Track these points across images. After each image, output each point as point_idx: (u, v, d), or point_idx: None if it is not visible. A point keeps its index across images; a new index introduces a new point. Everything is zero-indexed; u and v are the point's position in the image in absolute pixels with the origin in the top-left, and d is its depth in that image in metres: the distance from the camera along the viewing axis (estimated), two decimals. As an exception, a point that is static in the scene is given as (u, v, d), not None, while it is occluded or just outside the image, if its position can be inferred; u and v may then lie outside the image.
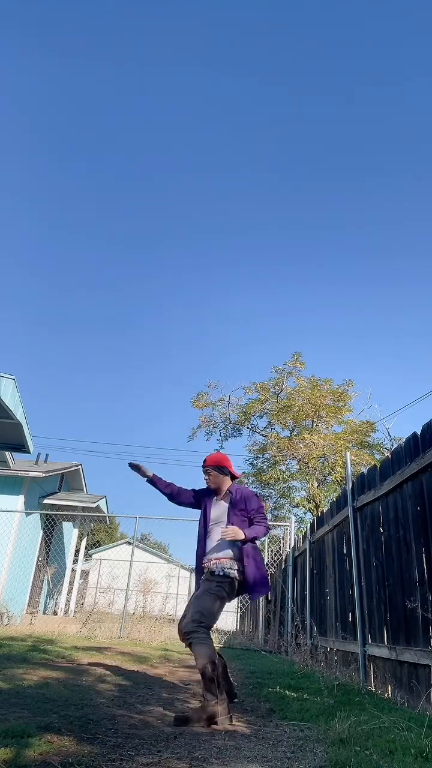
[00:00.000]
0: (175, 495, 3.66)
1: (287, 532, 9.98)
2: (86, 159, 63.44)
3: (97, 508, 14.59)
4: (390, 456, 4.03)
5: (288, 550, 9.32)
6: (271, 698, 3.48)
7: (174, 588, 20.69)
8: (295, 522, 12.22)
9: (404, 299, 57.22)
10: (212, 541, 3.32)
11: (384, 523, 3.98)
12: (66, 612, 13.83)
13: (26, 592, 12.38)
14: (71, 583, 14.95)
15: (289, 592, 8.44)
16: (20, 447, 9.26)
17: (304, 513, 18.67)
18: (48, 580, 14.10)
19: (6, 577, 11.11)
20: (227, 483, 3.52)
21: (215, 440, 22.11)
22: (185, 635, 2.99)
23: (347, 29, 47.33)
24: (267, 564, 11.82)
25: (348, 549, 4.88)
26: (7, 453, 11.29)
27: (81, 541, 16.16)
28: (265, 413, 20.18)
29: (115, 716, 2.61)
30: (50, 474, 12.82)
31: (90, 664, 4.68)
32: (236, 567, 3.17)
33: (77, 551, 15.87)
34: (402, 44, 49.86)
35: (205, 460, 3.59)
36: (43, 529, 13.42)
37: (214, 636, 3.44)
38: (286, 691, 3.69)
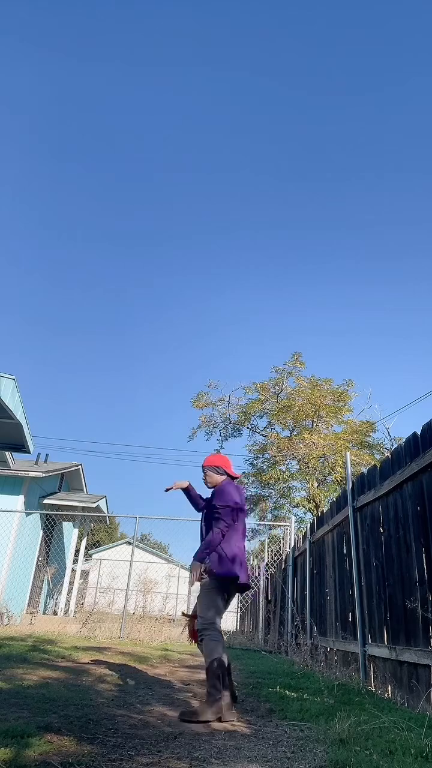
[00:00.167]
0: (195, 502, 3.82)
1: (287, 532, 9.98)
2: (86, 159, 63.45)
3: (97, 508, 14.59)
4: (390, 456, 4.03)
5: (288, 550, 9.31)
6: (271, 698, 3.48)
7: (174, 588, 20.69)
8: (295, 522, 12.22)
9: (404, 299, 57.24)
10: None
11: (384, 523, 3.98)
12: (66, 612, 13.83)
13: (26, 592, 12.38)
14: (71, 583, 14.95)
15: (289, 592, 8.44)
16: (20, 447, 9.26)
17: (304, 513, 18.68)
18: (48, 580, 14.10)
19: (6, 577, 11.11)
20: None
21: (215, 440, 22.15)
22: (198, 634, 3.14)
23: (347, 29, 47.36)
24: (267, 564, 11.82)
25: (348, 549, 4.88)
26: (7, 453, 11.30)
27: (81, 541, 16.16)
28: (265, 413, 20.18)
29: (115, 716, 2.61)
30: (50, 474, 12.82)
31: (90, 664, 4.68)
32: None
33: (77, 551, 15.87)
34: (401, 44, 49.87)
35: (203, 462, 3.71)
36: (43, 529, 13.42)
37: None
38: (286, 691, 3.69)
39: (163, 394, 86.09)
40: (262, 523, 18.14)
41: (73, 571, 15.60)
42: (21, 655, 4.80)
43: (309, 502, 18.20)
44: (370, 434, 18.77)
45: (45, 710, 2.60)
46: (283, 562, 9.67)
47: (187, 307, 67.83)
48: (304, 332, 56.93)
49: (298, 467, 18.60)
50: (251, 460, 20.06)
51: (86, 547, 17.45)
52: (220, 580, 3.22)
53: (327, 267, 57.21)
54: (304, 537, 7.58)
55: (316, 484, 18.26)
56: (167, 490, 3.79)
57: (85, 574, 22.92)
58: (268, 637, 10.41)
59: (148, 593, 10.82)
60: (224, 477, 3.59)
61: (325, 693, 3.42)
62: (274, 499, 19.05)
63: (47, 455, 14.43)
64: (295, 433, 19.41)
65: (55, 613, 13.99)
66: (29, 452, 9.47)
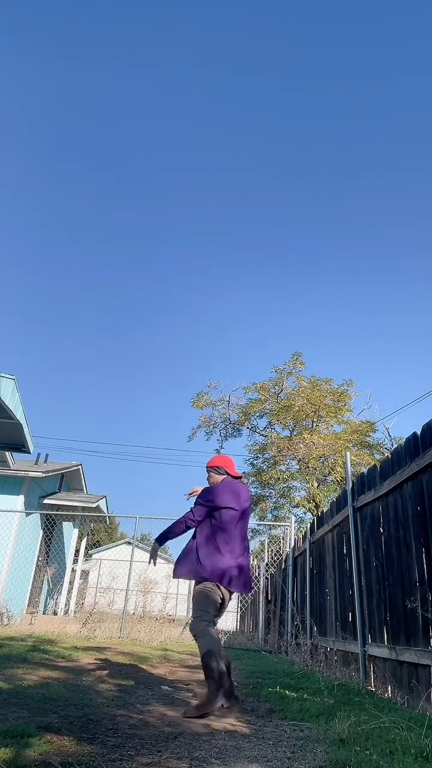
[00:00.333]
0: None
1: (287, 532, 9.98)
2: (86, 159, 63.44)
3: (97, 508, 14.59)
4: (390, 456, 4.03)
5: (288, 550, 9.31)
6: (271, 698, 3.48)
7: (174, 588, 20.69)
8: (295, 522, 12.23)
9: (404, 299, 57.22)
10: None
11: (384, 523, 3.98)
12: (66, 612, 13.83)
13: (26, 592, 12.38)
14: (71, 583, 14.95)
15: (289, 592, 8.44)
16: (20, 447, 9.26)
17: (304, 513, 18.68)
18: (48, 580, 14.10)
19: (6, 577, 11.11)
20: None
21: (215, 440, 22.21)
22: (192, 631, 3.27)
23: (347, 28, 47.32)
24: (267, 564, 11.83)
25: (348, 549, 4.88)
26: (7, 453, 11.30)
27: (81, 541, 16.16)
28: (265, 413, 20.18)
29: (115, 716, 2.61)
30: (50, 474, 12.82)
31: (90, 664, 4.68)
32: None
33: (77, 551, 15.87)
34: (400, 44, 49.85)
35: None
36: (43, 529, 13.42)
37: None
38: (286, 691, 3.69)
39: (163, 394, 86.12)
40: (262, 523, 18.14)
41: (73, 571, 15.60)
42: (21, 655, 4.80)
43: (309, 502, 18.20)
44: (370, 434, 18.78)
45: (45, 710, 2.60)
46: (283, 562, 9.67)
47: (187, 308, 67.90)
48: (304, 332, 56.98)
49: (298, 467, 18.60)
50: (251, 460, 20.08)
51: (86, 547, 17.45)
52: (208, 582, 3.29)
53: (327, 267, 57.26)
54: (304, 537, 7.58)
55: (316, 484, 18.26)
56: (188, 495, 3.81)
57: (85, 574, 22.92)
58: (268, 637, 10.41)
59: (148, 593, 10.81)
60: (224, 477, 3.63)
61: (325, 693, 3.42)
62: (274, 499, 19.06)
63: (47, 455, 14.44)
64: (295, 433, 19.41)
65: (55, 613, 13.99)
66: (29, 452, 9.47)
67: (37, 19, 50.71)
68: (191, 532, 3.56)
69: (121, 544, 34.74)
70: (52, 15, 50.06)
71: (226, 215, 59.57)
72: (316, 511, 16.84)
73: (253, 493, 19.57)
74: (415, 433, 3.49)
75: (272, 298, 60.01)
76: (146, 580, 11.13)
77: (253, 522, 18.70)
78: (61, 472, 14.37)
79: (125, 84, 57.47)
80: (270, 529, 18.03)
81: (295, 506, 18.79)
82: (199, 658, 3.18)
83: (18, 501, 11.86)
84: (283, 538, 11.78)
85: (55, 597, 14.86)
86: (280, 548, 11.54)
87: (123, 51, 54.85)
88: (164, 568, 24.86)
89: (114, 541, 40.81)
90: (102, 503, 14.93)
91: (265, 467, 19.33)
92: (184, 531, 3.51)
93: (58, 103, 57.51)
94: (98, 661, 4.93)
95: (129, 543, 28.98)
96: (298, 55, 51.55)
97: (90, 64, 56.42)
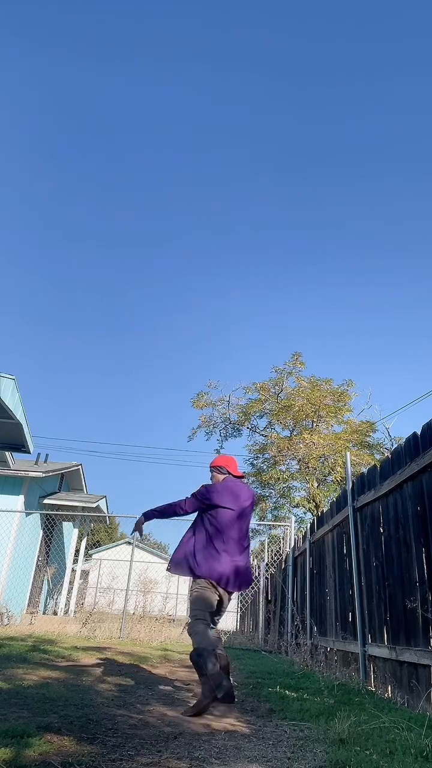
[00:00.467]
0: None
1: (287, 532, 9.98)
2: (86, 159, 63.46)
3: (97, 508, 14.59)
4: (390, 456, 4.03)
5: (288, 550, 9.31)
6: (271, 698, 3.48)
7: (174, 588, 20.67)
8: (295, 522, 12.23)
9: (404, 299, 57.23)
10: None
11: (384, 523, 3.98)
12: (66, 612, 13.83)
13: (26, 592, 12.38)
14: (71, 583, 14.95)
15: (289, 592, 8.44)
16: (20, 447, 9.26)
17: (304, 513, 18.68)
18: (48, 580, 14.10)
19: (6, 577, 11.11)
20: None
21: (215, 440, 22.19)
22: (188, 632, 3.31)
23: (348, 26, 47.33)
24: (267, 564, 11.83)
25: (348, 549, 4.88)
26: (7, 453, 11.30)
27: (81, 541, 16.16)
28: (265, 413, 20.19)
29: (115, 716, 2.61)
30: (50, 474, 12.82)
31: (90, 664, 4.68)
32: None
33: (77, 551, 15.87)
34: (401, 43, 49.85)
35: None
36: (43, 529, 13.42)
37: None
38: (286, 691, 3.69)
39: (163, 394, 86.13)
40: (262, 523, 18.15)
41: (73, 571, 15.60)
42: (21, 655, 4.80)
43: (309, 502, 18.20)
44: (370, 434, 18.78)
45: (45, 710, 2.60)
46: (283, 562, 9.67)
47: (187, 308, 67.90)
48: (304, 332, 56.98)
49: (298, 467, 18.61)
50: (251, 460, 20.09)
51: (86, 547, 17.45)
52: (203, 580, 3.33)
53: (327, 267, 57.25)
54: (304, 537, 7.58)
55: (316, 484, 18.26)
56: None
57: (85, 574, 22.91)
58: (268, 637, 10.41)
59: (148, 593, 10.81)
60: (225, 476, 3.66)
61: (325, 693, 3.42)
62: (274, 499, 19.06)
63: (47, 455, 14.44)
64: (295, 433, 19.41)
65: (55, 613, 13.99)
66: (29, 452, 9.47)
67: (37, 18, 50.73)
68: (189, 529, 3.58)
69: (121, 544, 34.72)
70: (51, 13, 50.08)
71: (226, 215, 59.61)
72: (316, 511, 16.84)
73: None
74: (415, 433, 3.49)
75: (272, 298, 60.06)
76: (146, 580, 11.14)
77: (253, 522, 18.61)
78: (61, 472, 14.37)
79: (125, 84, 57.51)
80: (270, 529, 18.03)
81: (295, 506, 18.79)
82: None
83: (18, 501, 11.86)
84: (283, 538, 11.78)
85: (55, 597, 14.87)
86: (280, 548, 11.54)
87: (123, 50, 54.87)
88: (164, 568, 24.83)
89: (114, 541, 40.81)
90: (102, 503, 14.93)
91: (265, 467, 19.33)
92: (172, 516, 3.58)
93: (58, 103, 57.55)
94: (98, 661, 4.93)
95: (129, 543, 28.97)
96: (299, 54, 51.58)
97: (90, 64, 56.46)
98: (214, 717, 2.81)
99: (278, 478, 18.40)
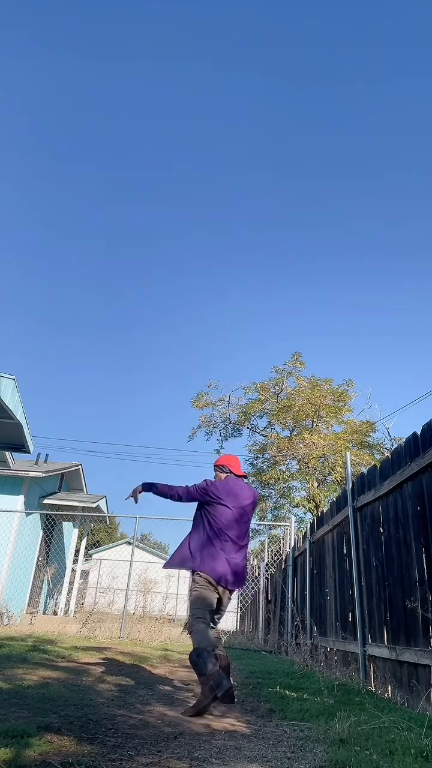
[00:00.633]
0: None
1: (287, 532, 9.98)
2: (86, 158, 63.47)
3: (97, 508, 14.58)
4: (390, 456, 4.03)
5: (288, 550, 9.31)
6: (271, 698, 3.48)
7: (174, 588, 20.68)
8: (295, 522, 12.22)
9: (404, 299, 57.23)
10: None
11: (384, 523, 3.98)
12: (66, 612, 13.83)
13: (26, 592, 12.38)
14: (71, 583, 14.94)
15: (289, 592, 8.43)
16: (20, 447, 9.26)
17: (304, 513, 18.68)
18: (48, 580, 14.10)
19: (6, 577, 11.11)
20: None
21: (215, 440, 22.16)
22: (188, 631, 3.34)
23: (348, 26, 47.34)
24: (267, 564, 11.83)
25: (348, 549, 4.88)
26: (7, 453, 11.30)
27: (81, 541, 16.16)
28: (265, 413, 20.19)
29: (115, 716, 2.61)
30: (50, 474, 12.82)
31: (90, 664, 4.68)
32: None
33: (77, 551, 15.87)
34: (400, 44, 49.86)
35: None
36: (43, 529, 13.42)
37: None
38: (286, 691, 3.69)
39: (163, 395, 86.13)
40: (262, 523, 18.15)
41: (73, 571, 15.60)
42: (21, 655, 4.80)
43: (309, 502, 18.20)
44: (370, 434, 18.78)
45: (45, 710, 2.60)
46: (283, 562, 9.67)
47: (187, 307, 67.92)
48: (304, 332, 56.98)
49: (298, 467, 18.60)
50: (251, 460, 20.08)
51: (86, 547, 17.45)
52: (199, 579, 3.35)
53: (327, 267, 57.26)
54: (304, 537, 7.58)
55: (316, 484, 18.26)
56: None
57: (85, 574, 22.91)
58: (268, 637, 10.40)
59: (148, 593, 10.81)
60: (227, 475, 3.70)
61: (325, 693, 3.42)
62: (274, 499, 19.06)
63: (47, 455, 14.44)
64: (295, 433, 19.41)
65: (55, 613, 13.99)
66: (29, 452, 9.47)
67: (37, 17, 50.74)
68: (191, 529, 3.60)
69: (121, 544, 34.72)
70: (52, 13, 50.08)
71: (225, 215, 59.62)
72: (316, 511, 16.84)
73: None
74: (415, 433, 3.49)
75: (272, 298, 60.06)
76: (146, 580, 11.13)
77: (253, 522, 18.57)
78: (61, 472, 14.37)
79: (125, 83, 57.51)
80: (270, 529, 18.03)
81: (295, 506, 18.79)
82: None
83: (18, 501, 11.86)
84: (283, 538, 11.78)
85: (55, 597, 14.86)
86: (280, 548, 11.54)
87: (123, 50, 54.87)
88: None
89: (114, 541, 40.80)
90: (102, 503, 14.93)
91: (265, 467, 19.33)
92: (168, 498, 3.59)
93: (58, 103, 57.55)
94: (98, 661, 4.93)
95: (129, 543, 28.97)
96: (300, 53, 51.58)
97: (90, 63, 56.47)
98: (214, 717, 2.81)
99: (278, 478, 18.40)
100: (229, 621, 19.92)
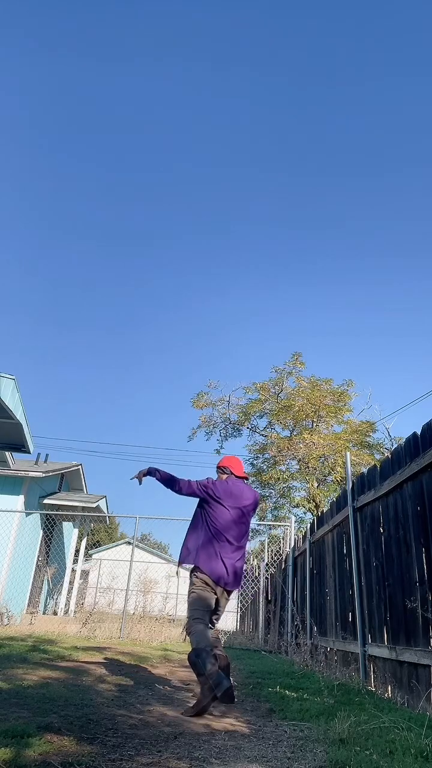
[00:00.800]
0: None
1: (287, 532, 9.97)
2: (86, 157, 63.47)
3: (97, 508, 14.58)
4: (390, 456, 4.03)
5: (288, 550, 9.31)
6: (271, 698, 3.48)
7: (174, 588, 20.68)
8: (295, 522, 12.22)
9: (405, 299, 57.23)
10: None
11: (384, 523, 3.98)
12: (66, 612, 13.83)
13: (26, 592, 12.38)
14: (71, 583, 14.94)
15: (289, 592, 8.43)
16: (20, 447, 9.26)
17: (304, 513, 18.68)
18: (48, 580, 14.10)
19: (6, 577, 11.11)
20: None
21: (215, 440, 22.18)
22: (186, 631, 3.33)
23: (348, 25, 47.33)
24: (267, 564, 11.83)
25: (348, 549, 4.88)
26: (7, 453, 11.29)
27: (81, 541, 16.16)
28: (265, 413, 20.18)
29: (115, 716, 2.61)
30: (50, 474, 12.82)
31: (90, 664, 4.68)
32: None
33: (77, 551, 15.87)
34: (399, 43, 49.86)
35: None
36: (43, 529, 13.42)
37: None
38: (286, 691, 3.69)
39: (163, 395, 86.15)
40: (262, 523, 18.15)
41: (73, 571, 15.60)
42: (21, 655, 4.80)
43: (309, 502, 18.20)
44: (370, 434, 18.77)
45: (45, 710, 2.60)
46: (283, 562, 9.67)
47: (187, 307, 67.91)
48: (304, 332, 56.97)
49: (298, 467, 18.60)
50: (251, 460, 20.08)
51: (86, 547, 17.45)
52: (197, 580, 3.37)
53: (327, 267, 57.25)
54: (304, 537, 7.58)
55: (316, 484, 18.25)
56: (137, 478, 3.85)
57: (85, 574, 22.91)
58: (268, 637, 10.40)
59: (148, 593, 10.81)
60: (228, 476, 3.75)
61: (325, 693, 3.42)
62: (274, 499, 19.06)
63: (47, 455, 14.44)
64: (295, 433, 19.40)
65: (55, 613, 13.99)
66: (29, 452, 9.47)
67: (38, 17, 50.73)
68: (189, 527, 3.63)
69: (121, 544, 34.72)
70: (52, 12, 50.07)
71: (226, 215, 59.62)
72: (316, 511, 16.84)
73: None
74: (415, 433, 3.49)
75: (272, 298, 60.04)
76: (146, 580, 11.13)
77: (253, 522, 18.59)
78: (61, 472, 14.37)
79: (125, 83, 57.50)
80: (270, 529, 18.03)
81: (295, 506, 18.79)
82: None
83: (18, 501, 11.85)
84: (283, 538, 11.78)
85: (55, 597, 14.86)
86: (280, 548, 11.54)
87: (123, 49, 54.87)
88: (164, 568, 24.88)
89: (114, 541, 40.80)
90: (102, 503, 14.93)
91: (265, 467, 19.33)
92: (169, 487, 3.62)
93: (58, 102, 57.56)
94: (98, 661, 4.93)
95: (129, 543, 28.97)
96: (300, 52, 51.57)
97: (90, 63, 56.47)
98: (214, 717, 2.81)
99: (278, 478, 18.40)
100: (229, 621, 19.92)
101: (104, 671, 4.30)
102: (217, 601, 3.40)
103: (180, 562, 3.54)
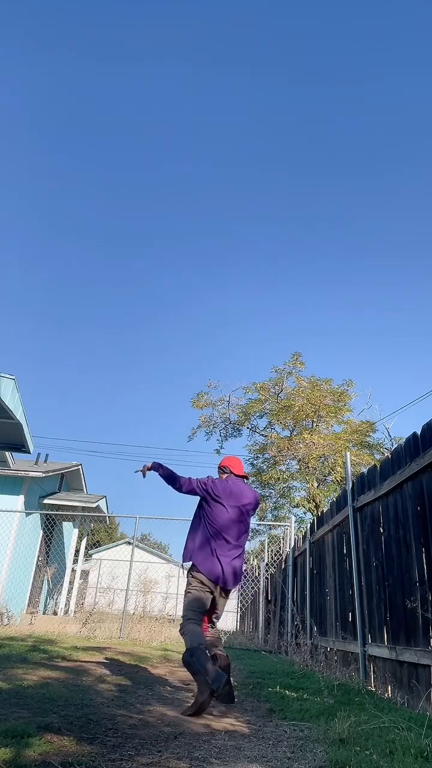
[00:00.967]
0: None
1: (287, 532, 9.97)
2: (87, 158, 63.47)
3: (97, 508, 14.58)
4: (390, 456, 4.03)
5: (288, 550, 9.31)
6: (271, 698, 3.48)
7: (174, 588, 20.68)
8: (295, 522, 12.22)
9: (405, 299, 57.22)
10: None
11: (384, 523, 3.98)
12: (66, 612, 13.83)
13: (26, 592, 12.38)
14: (71, 583, 14.95)
15: (289, 592, 8.43)
16: (20, 447, 9.26)
17: (304, 513, 18.68)
18: (48, 580, 14.10)
19: (6, 577, 11.11)
20: None
21: (215, 440, 22.17)
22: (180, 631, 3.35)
23: (348, 25, 47.32)
24: (267, 564, 11.83)
25: (348, 549, 4.88)
26: (7, 453, 11.30)
27: (81, 541, 16.16)
28: (265, 413, 20.18)
29: (115, 716, 2.61)
30: (50, 474, 12.82)
31: (90, 664, 4.68)
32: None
33: (77, 551, 15.87)
34: (399, 43, 49.85)
35: None
36: (43, 529, 13.42)
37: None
38: (286, 691, 3.69)
39: (163, 395, 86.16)
40: (262, 523, 18.15)
41: (73, 571, 15.60)
42: (21, 655, 4.80)
43: (309, 502, 18.19)
44: (370, 434, 18.77)
45: (45, 710, 2.60)
46: (283, 562, 9.67)
47: (187, 308, 67.90)
48: (304, 332, 56.96)
49: (298, 467, 18.60)
50: (251, 460, 20.08)
51: (86, 547, 17.45)
52: (193, 580, 3.39)
53: (327, 266, 57.25)
54: (304, 537, 7.58)
55: (316, 484, 18.25)
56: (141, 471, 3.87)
57: (85, 574, 22.92)
58: (268, 637, 10.40)
59: (148, 593, 10.82)
60: (227, 475, 3.78)
61: (325, 693, 3.42)
62: (274, 499, 19.06)
63: (47, 455, 14.44)
64: (295, 433, 19.40)
65: (55, 613, 13.99)
66: (29, 452, 9.47)
67: (37, 17, 50.72)
68: (190, 527, 3.64)
69: (121, 544, 34.71)
70: (52, 12, 50.07)
71: (226, 215, 59.62)
72: (316, 511, 16.84)
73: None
74: (415, 433, 3.49)
75: (272, 298, 60.03)
76: (146, 580, 11.14)
77: (253, 522, 18.60)
78: (61, 472, 14.37)
79: (125, 83, 57.50)
80: (270, 529, 18.03)
81: (295, 506, 18.79)
82: None
83: (18, 501, 11.85)
84: (283, 538, 11.78)
85: (55, 597, 14.86)
86: (280, 548, 11.54)
87: (123, 49, 54.87)
88: (164, 568, 24.88)
89: (114, 541, 40.79)
90: (102, 503, 14.93)
91: (265, 467, 19.33)
92: (170, 483, 3.65)
93: (58, 102, 57.56)
94: (98, 661, 4.93)
95: (129, 543, 28.96)
96: (300, 52, 51.56)
97: (89, 62, 56.46)
98: (214, 717, 2.81)
99: (278, 478, 18.40)
100: (229, 621, 19.93)
101: (104, 671, 4.30)
102: (215, 600, 3.41)
103: (183, 562, 3.56)
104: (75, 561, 15.80)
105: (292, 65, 53.01)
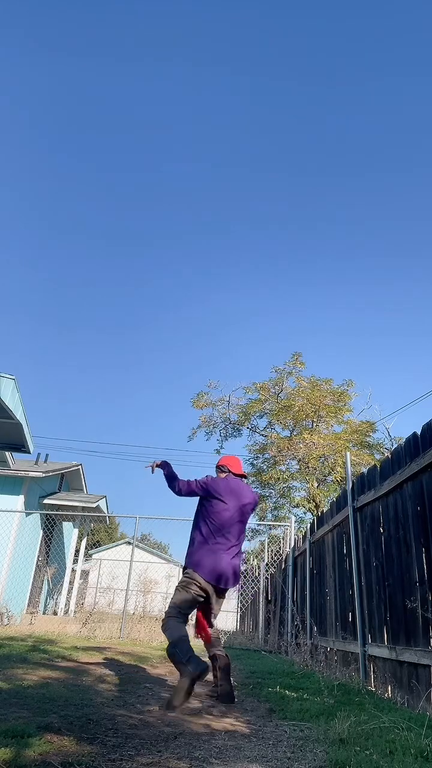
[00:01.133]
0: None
1: (287, 532, 9.98)
2: (86, 158, 63.47)
3: (97, 508, 14.59)
4: (390, 456, 4.03)
5: (288, 550, 9.31)
6: (271, 698, 3.48)
7: (174, 588, 20.68)
8: (295, 522, 12.22)
9: (405, 299, 57.21)
10: None
11: (384, 523, 3.98)
12: (66, 612, 13.83)
13: (26, 592, 12.38)
14: (71, 583, 14.95)
15: (289, 592, 8.43)
16: (20, 447, 9.26)
17: (304, 513, 18.68)
18: (48, 580, 14.10)
19: (6, 577, 11.11)
20: None
21: (215, 440, 22.18)
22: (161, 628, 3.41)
23: (348, 25, 47.33)
24: (267, 564, 11.83)
25: (348, 549, 4.88)
26: (7, 453, 11.30)
27: (81, 541, 16.16)
28: (265, 413, 20.19)
29: (115, 716, 2.61)
30: (50, 474, 12.82)
31: (90, 664, 4.68)
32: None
33: (77, 551, 15.87)
34: (401, 42, 49.85)
35: None
36: (43, 529, 13.42)
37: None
38: (286, 691, 3.69)
39: (163, 395, 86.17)
40: (262, 523, 18.16)
41: (73, 571, 15.60)
42: (21, 655, 4.80)
43: (309, 502, 18.20)
44: (370, 434, 18.78)
45: (45, 710, 2.60)
46: (283, 562, 9.67)
47: (187, 308, 67.90)
48: (304, 332, 56.95)
49: (298, 467, 18.61)
50: (251, 460, 20.09)
51: (86, 547, 17.45)
52: (185, 578, 3.42)
53: (328, 266, 57.25)
54: (304, 537, 7.58)
55: (316, 484, 18.26)
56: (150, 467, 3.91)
57: (85, 574, 22.92)
58: (268, 637, 10.40)
59: (148, 593, 10.83)
60: (226, 474, 3.77)
61: (325, 693, 3.42)
62: (274, 499, 19.06)
63: (47, 455, 14.44)
64: (295, 433, 19.41)
65: (55, 613, 13.99)
66: (29, 452, 9.47)
67: (37, 16, 50.72)
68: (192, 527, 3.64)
69: (121, 544, 34.71)
70: (51, 12, 50.07)
71: (226, 215, 59.62)
72: (316, 511, 16.84)
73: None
74: (415, 433, 3.49)
75: (272, 298, 60.03)
76: (146, 580, 11.15)
77: (253, 522, 18.70)
78: (61, 472, 14.38)
79: (125, 83, 57.49)
80: (270, 529, 18.03)
81: (295, 506, 18.79)
82: (203, 659, 3.22)
83: (18, 501, 11.86)
84: (283, 538, 11.78)
85: (55, 597, 14.87)
86: (280, 548, 11.54)
87: (122, 49, 54.87)
88: (164, 568, 24.87)
89: (114, 541, 40.79)
90: (102, 503, 14.93)
91: (265, 467, 19.33)
92: (169, 484, 3.69)
93: (60, 100, 57.54)
94: (98, 661, 4.93)
95: (129, 543, 28.96)
96: (299, 52, 51.55)
97: (89, 62, 56.45)
98: (214, 717, 2.81)
99: (278, 478, 18.40)
100: (229, 621, 19.92)
101: (104, 671, 4.30)
102: (209, 599, 3.41)
103: (185, 565, 3.58)
104: (75, 561, 15.80)
105: (292, 65, 53.02)
